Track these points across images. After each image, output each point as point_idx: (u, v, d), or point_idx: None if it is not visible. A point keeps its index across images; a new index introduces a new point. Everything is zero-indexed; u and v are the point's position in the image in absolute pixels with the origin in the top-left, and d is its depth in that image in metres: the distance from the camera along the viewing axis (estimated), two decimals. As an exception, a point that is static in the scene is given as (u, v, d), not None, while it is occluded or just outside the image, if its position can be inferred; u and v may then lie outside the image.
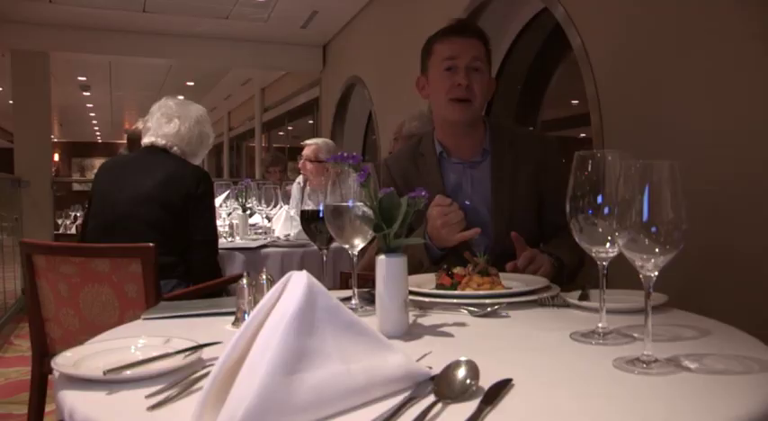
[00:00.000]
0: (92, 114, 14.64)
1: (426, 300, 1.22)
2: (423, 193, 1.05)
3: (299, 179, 4.01)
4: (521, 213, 1.68)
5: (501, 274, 1.31)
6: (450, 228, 1.49)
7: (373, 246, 1.68)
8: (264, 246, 2.68)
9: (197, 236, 2.20)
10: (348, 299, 1.18)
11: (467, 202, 1.71)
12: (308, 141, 3.79)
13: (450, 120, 1.71)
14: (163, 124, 2.29)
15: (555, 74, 3.87)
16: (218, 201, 3.07)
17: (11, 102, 6.28)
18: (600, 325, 0.97)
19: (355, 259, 1.16)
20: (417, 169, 1.77)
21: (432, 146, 1.77)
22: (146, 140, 2.31)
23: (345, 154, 1.07)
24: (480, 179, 1.72)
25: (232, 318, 1.13)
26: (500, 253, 1.52)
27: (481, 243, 1.66)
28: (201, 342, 0.90)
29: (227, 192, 3.16)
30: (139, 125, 3.33)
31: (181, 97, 2.49)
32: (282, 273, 0.74)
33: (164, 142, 2.28)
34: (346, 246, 1.14)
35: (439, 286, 1.29)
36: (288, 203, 3.36)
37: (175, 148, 2.28)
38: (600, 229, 0.90)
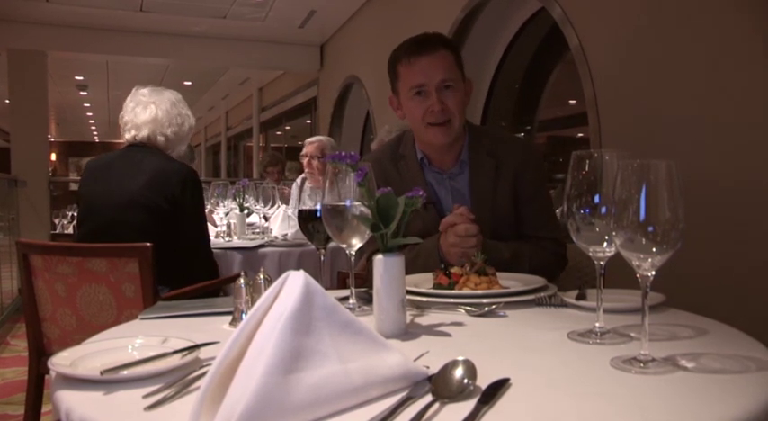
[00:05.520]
0: (89, 114, 14.62)
1: (424, 299, 1.22)
2: (420, 193, 1.05)
3: (297, 179, 4.01)
4: (502, 225, 1.62)
5: (498, 274, 1.31)
6: (461, 255, 1.42)
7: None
8: (262, 245, 2.68)
9: (189, 240, 2.15)
10: (345, 298, 1.18)
11: (448, 213, 1.67)
12: (310, 139, 3.80)
13: (432, 143, 1.65)
14: (139, 113, 2.22)
15: (552, 73, 3.88)
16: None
17: (7, 101, 6.27)
18: (597, 324, 0.97)
19: (353, 259, 1.16)
20: (399, 172, 1.70)
21: (413, 149, 1.71)
22: (127, 136, 2.24)
23: (343, 153, 1.07)
24: (459, 190, 1.68)
25: (229, 318, 1.13)
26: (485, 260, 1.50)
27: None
28: (199, 342, 0.90)
29: (216, 190, 3.14)
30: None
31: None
32: (280, 273, 0.74)
33: (146, 133, 2.20)
34: (344, 246, 1.14)
35: (436, 286, 1.29)
36: (286, 203, 3.36)
37: (159, 137, 2.21)
38: (597, 229, 0.90)
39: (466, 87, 1.67)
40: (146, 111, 2.22)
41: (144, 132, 2.21)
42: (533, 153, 1.76)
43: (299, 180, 3.99)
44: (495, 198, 1.63)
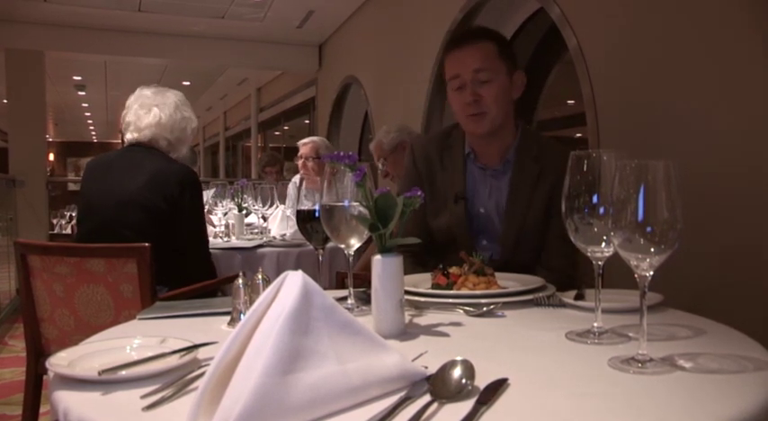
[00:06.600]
0: (87, 114, 14.59)
1: (422, 299, 1.22)
2: (418, 193, 1.05)
3: (296, 179, 4.01)
4: (533, 228, 1.62)
5: (496, 274, 1.32)
6: None
7: (372, 246, 1.66)
8: (260, 245, 2.68)
9: (187, 241, 2.15)
10: (344, 298, 1.18)
11: (481, 210, 1.68)
12: (303, 140, 3.79)
13: (470, 133, 1.69)
14: (142, 116, 2.21)
15: (551, 74, 3.88)
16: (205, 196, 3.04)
17: (5, 101, 6.26)
18: (595, 324, 0.97)
19: (351, 259, 1.16)
20: (441, 162, 1.73)
21: (461, 143, 1.73)
22: (128, 137, 2.24)
23: (342, 153, 1.07)
24: (499, 188, 1.68)
25: (228, 318, 1.13)
26: (506, 262, 1.51)
27: (490, 251, 1.65)
28: (197, 342, 0.90)
29: (214, 189, 3.14)
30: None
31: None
32: (278, 273, 0.74)
33: (148, 136, 2.20)
34: (342, 246, 1.14)
35: (435, 286, 1.29)
36: (284, 203, 3.35)
37: (162, 141, 2.21)
38: (595, 229, 0.90)
39: (514, 79, 1.67)
40: (149, 115, 2.21)
41: (146, 135, 2.20)
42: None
43: (296, 179, 3.98)
44: (532, 203, 1.63)
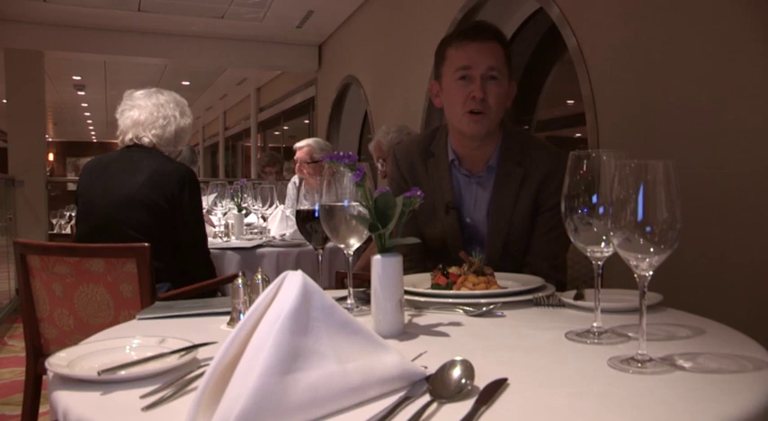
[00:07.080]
0: (86, 114, 14.59)
1: (422, 299, 1.22)
2: (418, 193, 1.05)
3: (295, 178, 4.00)
4: (517, 236, 1.60)
5: (496, 274, 1.31)
6: None
7: (371, 246, 1.65)
8: (260, 245, 2.68)
9: (187, 239, 2.16)
10: (344, 298, 1.18)
11: (467, 220, 1.66)
12: (299, 144, 3.76)
13: (465, 133, 1.62)
14: (125, 117, 2.25)
15: (550, 74, 3.88)
16: (206, 201, 3.04)
17: (5, 101, 6.25)
18: (595, 324, 0.97)
19: (351, 259, 1.16)
20: (426, 169, 1.68)
21: (445, 149, 1.68)
22: (119, 140, 2.27)
23: (341, 153, 1.07)
24: (483, 195, 1.65)
25: (227, 318, 1.13)
26: (495, 269, 1.50)
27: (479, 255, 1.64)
28: (196, 342, 0.90)
29: (215, 193, 3.14)
30: None
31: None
32: (278, 273, 0.74)
33: (129, 137, 2.22)
34: (341, 246, 1.14)
35: (434, 286, 1.29)
36: (283, 203, 3.35)
37: (144, 139, 2.22)
38: (595, 229, 0.90)
39: (510, 89, 1.65)
40: (129, 115, 2.24)
41: (128, 136, 2.23)
42: (562, 163, 1.71)
43: (296, 179, 3.98)
44: (516, 210, 1.60)
